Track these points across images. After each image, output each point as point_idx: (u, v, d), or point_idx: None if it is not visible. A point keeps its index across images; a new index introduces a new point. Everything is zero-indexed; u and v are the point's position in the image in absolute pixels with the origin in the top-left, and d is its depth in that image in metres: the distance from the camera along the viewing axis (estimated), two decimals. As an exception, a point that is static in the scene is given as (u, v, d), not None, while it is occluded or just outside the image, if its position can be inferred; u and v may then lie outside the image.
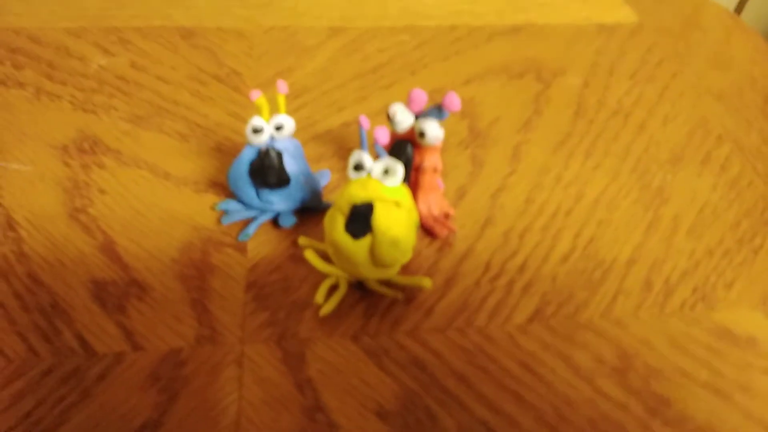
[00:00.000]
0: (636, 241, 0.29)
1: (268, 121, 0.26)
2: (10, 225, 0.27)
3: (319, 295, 0.25)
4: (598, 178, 0.32)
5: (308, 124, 0.33)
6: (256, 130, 0.26)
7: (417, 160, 0.27)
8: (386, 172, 0.23)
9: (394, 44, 0.39)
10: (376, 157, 0.24)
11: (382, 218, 0.23)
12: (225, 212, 0.28)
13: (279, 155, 0.26)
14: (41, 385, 0.22)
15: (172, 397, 0.22)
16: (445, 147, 0.32)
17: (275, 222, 0.28)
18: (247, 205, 0.28)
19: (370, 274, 0.25)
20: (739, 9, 0.70)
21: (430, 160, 0.27)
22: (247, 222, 0.28)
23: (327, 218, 0.25)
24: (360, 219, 0.23)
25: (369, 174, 0.24)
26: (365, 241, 0.24)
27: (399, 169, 0.23)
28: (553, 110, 0.35)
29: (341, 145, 0.32)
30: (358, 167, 0.24)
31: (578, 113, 0.35)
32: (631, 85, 0.38)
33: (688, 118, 0.36)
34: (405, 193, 0.24)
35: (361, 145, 0.24)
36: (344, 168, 0.30)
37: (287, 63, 0.37)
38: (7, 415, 0.21)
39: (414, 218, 0.25)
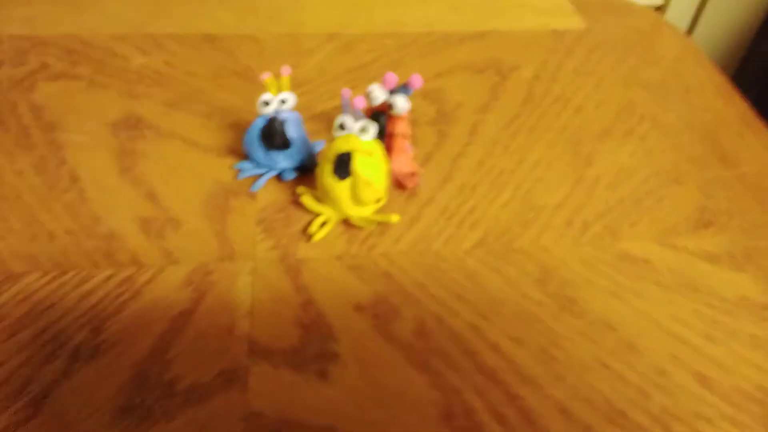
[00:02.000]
0: (564, 192, 0.35)
1: (275, 95, 0.33)
2: (74, 178, 0.34)
3: (313, 226, 0.31)
4: (539, 148, 0.38)
5: (308, 107, 0.40)
6: (265, 103, 0.32)
7: (389, 127, 0.34)
8: (362, 129, 0.30)
9: (379, 46, 0.46)
10: (356, 119, 0.31)
11: (359, 164, 0.30)
12: (240, 170, 0.35)
13: (282, 123, 0.33)
14: (102, 287, 0.29)
15: (201, 295, 0.28)
16: (417, 125, 0.39)
17: (280, 177, 0.35)
18: (258, 163, 0.34)
19: (352, 211, 0.32)
20: (690, 29, 0.77)
21: (400, 127, 0.34)
22: (257, 177, 0.34)
23: (318, 168, 0.31)
24: (342, 165, 0.30)
25: (350, 131, 0.30)
26: (347, 184, 0.30)
27: (372, 127, 0.30)
28: (507, 97, 0.42)
29: (332, 122, 0.39)
30: (342, 126, 0.30)
31: (527, 99, 0.42)
32: (574, 77, 0.44)
33: (618, 102, 0.42)
34: (377, 146, 0.31)
35: (343, 111, 0.30)
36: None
37: (292, 61, 0.44)
38: (78, 306, 0.28)
39: (385, 166, 0.31)
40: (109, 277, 0.29)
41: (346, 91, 0.30)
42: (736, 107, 0.43)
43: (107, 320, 0.27)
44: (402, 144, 0.34)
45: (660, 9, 0.77)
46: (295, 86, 0.41)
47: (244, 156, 0.35)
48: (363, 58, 0.45)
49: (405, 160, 0.35)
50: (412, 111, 0.39)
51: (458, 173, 0.36)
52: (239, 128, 0.38)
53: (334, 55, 0.45)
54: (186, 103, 0.39)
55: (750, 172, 0.37)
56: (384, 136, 0.34)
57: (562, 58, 0.46)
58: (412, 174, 0.35)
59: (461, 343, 0.27)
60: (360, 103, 0.30)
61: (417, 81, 0.32)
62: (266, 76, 0.32)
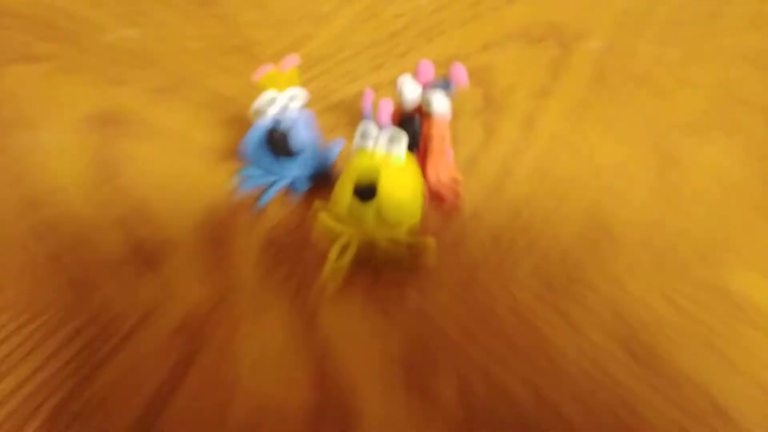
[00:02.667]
0: (641, 204, 0.34)
1: (281, 91, 0.32)
2: (55, 190, 0.34)
3: (333, 253, 0.31)
4: (610, 145, 0.36)
5: (323, 95, 0.39)
6: (269, 102, 0.31)
7: (425, 128, 0.33)
8: (391, 140, 0.29)
9: (411, 9, 0.45)
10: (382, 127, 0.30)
11: (386, 183, 0.29)
12: (245, 179, 0.34)
13: (284, 135, 0.32)
14: (79, 335, 0.29)
15: (199, 343, 0.28)
16: (458, 114, 0.38)
17: (292, 187, 0.34)
18: (265, 171, 0.34)
19: (379, 233, 0.31)
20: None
21: (438, 129, 0.33)
22: (265, 187, 0.34)
23: (337, 186, 0.31)
24: (366, 187, 0.29)
25: (375, 143, 0.29)
26: (372, 205, 0.29)
27: (403, 138, 0.29)
28: (571, 77, 0.40)
29: (355, 115, 0.38)
30: (365, 137, 0.29)
31: (597, 79, 0.40)
32: (656, 48, 0.42)
33: (712, 82, 0.40)
34: (409, 160, 0.30)
35: (367, 115, 0.29)
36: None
37: (303, 31, 0.43)
38: (62, 353, 0.28)
39: (418, 183, 0.30)
40: (84, 327, 0.29)
41: (369, 94, 0.29)
42: None
43: (81, 385, 0.27)
44: (441, 147, 0.33)
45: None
46: (308, 66, 0.40)
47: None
48: (390, 25, 0.43)
49: (445, 167, 0.34)
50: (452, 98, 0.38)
51: (510, 181, 0.35)
52: (243, 123, 0.37)
53: (354, 22, 0.44)
54: (179, 89, 0.39)
55: None
56: (418, 140, 0.33)
57: (638, 22, 0.44)
58: (454, 183, 0.34)
59: (514, 406, 0.27)
60: (387, 109, 0.29)
61: (461, 73, 0.31)
62: (266, 70, 0.31)
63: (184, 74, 0.40)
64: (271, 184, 0.34)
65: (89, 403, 0.26)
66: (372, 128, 0.29)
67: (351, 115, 0.38)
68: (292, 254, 0.31)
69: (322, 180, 0.34)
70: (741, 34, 0.43)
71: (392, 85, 0.38)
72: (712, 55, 0.42)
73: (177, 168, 0.34)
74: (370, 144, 0.29)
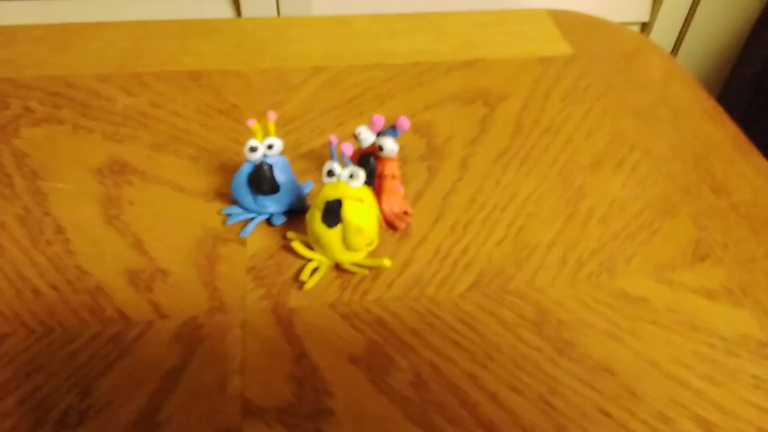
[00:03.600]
0: (557, 228, 0.35)
1: (261, 141, 0.32)
2: (59, 230, 0.33)
3: (305, 274, 0.31)
4: (530, 181, 0.38)
5: (296, 146, 0.40)
6: (252, 149, 0.32)
7: (379, 168, 0.34)
8: (351, 176, 0.30)
9: (367, 79, 0.46)
10: (344, 165, 0.30)
11: (349, 211, 0.30)
12: (229, 215, 0.34)
13: (270, 168, 0.33)
14: (90, 345, 0.28)
15: (191, 351, 0.28)
16: (407, 160, 0.39)
17: (269, 222, 0.34)
18: (246, 208, 0.34)
19: (343, 257, 0.31)
20: (674, 50, 0.77)
21: (390, 168, 0.34)
22: (246, 222, 0.34)
23: (308, 215, 0.31)
24: (332, 212, 0.29)
25: (338, 178, 0.30)
26: (337, 230, 0.30)
27: (361, 173, 0.30)
28: (497, 129, 0.42)
29: (321, 162, 0.38)
30: (330, 173, 0.30)
31: (516, 131, 0.42)
32: (563, 106, 0.45)
33: (607, 131, 0.42)
34: (367, 192, 0.31)
35: (332, 157, 0.30)
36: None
37: (278, 97, 0.44)
38: (64, 368, 0.27)
39: (375, 212, 0.31)
40: (97, 335, 0.28)
41: (334, 138, 0.30)
42: (726, 130, 0.43)
43: (95, 381, 0.27)
44: (392, 185, 0.34)
45: (645, 26, 0.78)
46: (282, 124, 0.41)
47: (232, 200, 0.35)
48: (350, 92, 0.45)
49: (396, 201, 0.35)
50: (402, 146, 0.39)
51: (450, 211, 0.36)
52: (227, 170, 0.37)
53: (321, 90, 0.45)
54: (172, 145, 0.39)
55: (743, 201, 0.37)
56: (373, 177, 0.34)
57: (550, 86, 0.46)
58: (404, 214, 0.35)
59: (459, 394, 0.27)
60: (348, 150, 0.30)
61: (404, 123, 0.32)
62: (252, 123, 0.32)
63: (176, 133, 0.40)
64: (252, 219, 0.34)
65: (98, 402, 0.26)
66: (336, 167, 0.30)
67: (318, 162, 0.38)
68: (269, 277, 0.31)
69: (296, 215, 0.34)
70: (630, 95, 0.46)
71: (351, 137, 0.40)
72: (606, 111, 0.44)
73: (170, 209, 0.35)
74: (334, 180, 0.30)
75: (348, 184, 0.30)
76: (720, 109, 0.46)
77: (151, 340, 0.28)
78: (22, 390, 0.26)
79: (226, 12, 0.65)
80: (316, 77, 0.46)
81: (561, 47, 0.51)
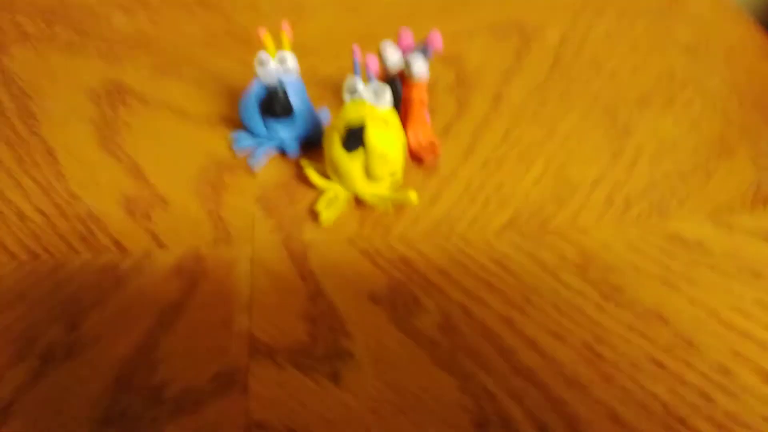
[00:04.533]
0: (601, 166, 0.31)
1: (273, 56, 0.29)
2: (49, 151, 0.30)
3: (320, 205, 0.28)
4: (571, 116, 0.34)
5: (311, 72, 0.36)
6: (262, 63, 0.29)
7: (405, 93, 0.30)
8: (376, 94, 0.26)
9: (389, 3, 0.42)
10: (368, 82, 0.27)
11: (372, 135, 0.26)
12: (236, 141, 0.31)
13: (283, 88, 0.29)
14: (79, 274, 0.25)
15: (193, 285, 0.25)
16: (434, 91, 0.35)
17: (281, 151, 0.31)
18: (255, 134, 0.31)
19: (364, 188, 0.28)
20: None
21: (417, 93, 0.30)
22: (255, 150, 0.31)
23: (325, 137, 0.28)
24: (353, 135, 0.26)
25: (361, 96, 0.27)
26: (359, 157, 0.27)
27: (387, 91, 0.26)
28: (533, 62, 0.38)
29: (338, 89, 0.35)
30: (353, 91, 0.27)
31: (555, 64, 0.38)
32: (605, 38, 0.40)
33: (656, 67, 0.38)
34: (394, 115, 0.27)
35: (354, 72, 0.27)
36: (340, 107, 0.33)
37: (291, 20, 0.40)
38: (51, 297, 0.24)
39: (401, 138, 0.28)
40: (88, 263, 0.26)
41: (357, 50, 0.26)
42: (785, 72, 0.39)
43: (85, 313, 0.24)
44: (420, 112, 0.31)
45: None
46: (296, 49, 0.37)
47: (240, 125, 0.32)
48: (370, 16, 0.41)
49: (423, 130, 0.31)
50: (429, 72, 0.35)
51: (482, 146, 0.32)
52: (235, 95, 0.34)
53: (338, 14, 0.41)
54: (174, 67, 0.36)
55: (808, 143, 0.34)
56: (399, 103, 0.30)
57: (591, 19, 0.42)
58: (431, 146, 0.31)
59: (494, 339, 0.24)
60: (373, 63, 0.26)
61: (437, 40, 0.28)
62: (263, 33, 0.28)
63: (179, 55, 0.37)
64: (262, 145, 0.31)
65: (87, 335, 0.23)
66: (358, 83, 0.26)
67: (335, 90, 0.35)
68: (280, 208, 0.28)
69: (311, 146, 0.31)
70: (679, 30, 0.42)
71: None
72: (655, 46, 0.40)
73: (172, 134, 0.31)
74: (357, 98, 0.26)
75: (372, 103, 0.26)
76: (779, 48, 0.42)
77: (149, 272, 0.25)
78: (1, 320, 0.23)
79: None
80: (331, 1, 0.42)
81: (603, -22, 0.47)
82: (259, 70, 0.28)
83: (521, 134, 0.33)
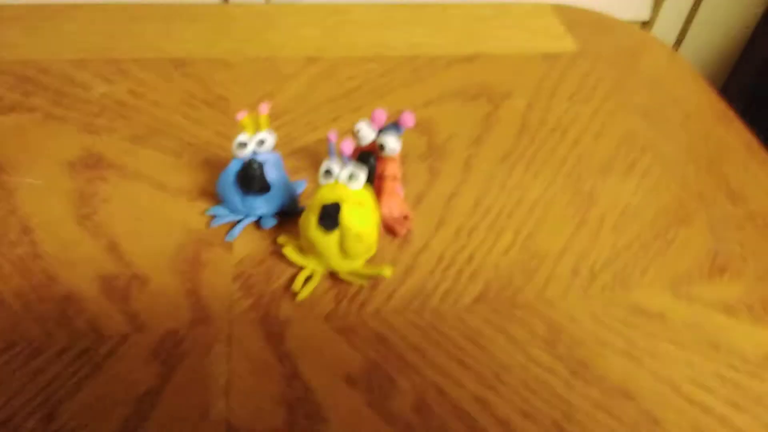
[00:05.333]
0: (567, 236, 0.33)
1: (251, 136, 0.30)
2: (25, 230, 0.30)
3: (297, 283, 0.28)
4: (537, 184, 0.36)
5: (287, 141, 0.37)
6: (241, 144, 0.29)
7: (379, 169, 0.31)
8: (351, 177, 0.27)
9: (363, 72, 0.44)
10: (343, 164, 0.28)
11: (347, 216, 0.27)
12: (214, 216, 0.32)
13: (260, 166, 0.30)
14: (56, 362, 0.25)
15: (171, 369, 0.25)
16: (406, 160, 0.36)
17: (258, 224, 0.32)
18: (233, 209, 0.31)
19: (340, 265, 0.29)
20: (678, 42, 0.76)
21: (390, 169, 0.31)
22: (233, 224, 0.31)
23: (302, 218, 0.29)
24: (329, 216, 0.27)
25: (336, 179, 0.27)
26: (334, 236, 0.27)
27: (362, 174, 0.27)
28: (501, 128, 0.40)
29: (315, 159, 0.36)
30: (328, 173, 0.27)
31: (522, 131, 0.40)
32: (569, 105, 0.42)
33: (616, 132, 0.40)
34: (367, 195, 0.28)
35: (329, 155, 0.28)
36: (317, 177, 0.34)
37: (269, 89, 0.41)
38: (28, 387, 0.24)
39: (375, 217, 0.28)
40: (64, 350, 0.25)
41: (333, 135, 0.27)
42: (738, 136, 0.42)
43: (62, 403, 0.24)
44: (393, 186, 0.32)
45: (646, 24, 0.76)
46: (273, 118, 0.38)
47: (218, 200, 0.32)
48: (346, 84, 0.42)
49: (396, 204, 0.32)
50: (402, 144, 0.37)
51: (453, 216, 0.33)
52: (212, 166, 0.35)
53: (314, 82, 0.42)
54: (153, 138, 0.36)
55: (759, 210, 0.36)
56: (373, 177, 0.31)
57: (555, 84, 0.44)
58: (404, 218, 0.32)
59: (467, 420, 0.25)
60: (348, 148, 0.27)
61: (409, 119, 0.30)
62: (242, 116, 0.29)
63: (157, 125, 0.37)
64: (239, 221, 0.31)
65: (65, 427, 0.23)
66: (334, 166, 0.27)
67: (311, 160, 0.36)
68: (258, 286, 0.29)
69: (287, 217, 0.32)
70: (638, 94, 0.44)
71: (349, 133, 0.37)
72: (614, 111, 0.42)
73: (149, 208, 0.32)
74: (332, 181, 0.27)
75: (347, 185, 0.27)
76: (730, 112, 0.44)
77: (126, 357, 0.25)
78: (-22, 412, 0.23)
79: (213, -3, 0.62)
80: (309, 68, 0.43)
81: (565, 43, 0.49)
82: (238, 153, 0.29)
83: (491, 204, 0.34)
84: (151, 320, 0.27)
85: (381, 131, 0.30)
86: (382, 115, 0.30)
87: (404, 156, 0.36)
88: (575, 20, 0.52)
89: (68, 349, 0.25)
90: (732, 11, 0.74)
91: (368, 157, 0.31)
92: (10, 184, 0.32)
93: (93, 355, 0.25)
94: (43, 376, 0.25)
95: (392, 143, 0.30)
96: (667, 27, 0.74)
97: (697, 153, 0.39)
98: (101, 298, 0.28)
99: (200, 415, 0.24)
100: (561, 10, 0.53)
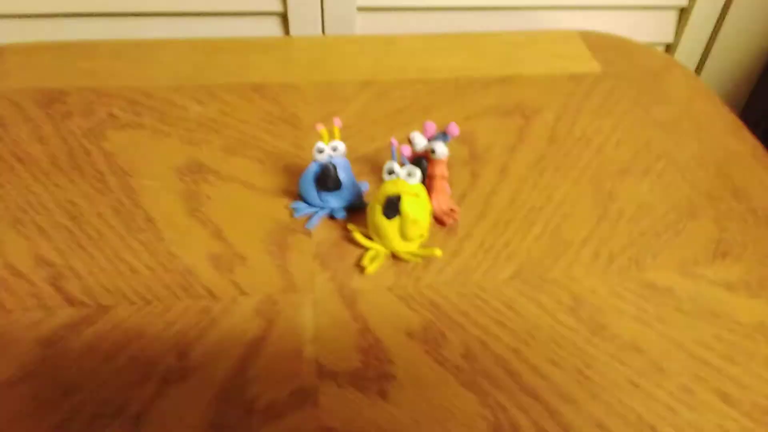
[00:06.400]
0: (589, 227, 0.38)
1: (327, 144, 0.37)
2: (149, 219, 0.38)
3: (365, 260, 0.35)
4: (564, 185, 0.41)
5: (350, 151, 0.44)
6: (320, 150, 0.36)
7: (430, 170, 0.38)
8: (409, 174, 0.34)
9: (412, 92, 0.50)
10: (402, 164, 0.34)
11: (406, 205, 0.33)
12: (296, 210, 0.39)
13: (335, 168, 0.37)
14: (184, 316, 0.32)
15: (270, 323, 0.32)
16: (452, 165, 0.43)
17: (331, 216, 0.38)
18: (311, 204, 0.38)
19: (399, 246, 0.35)
20: (698, 69, 0.81)
21: (440, 170, 0.38)
22: (311, 216, 0.38)
23: (369, 208, 0.35)
24: (392, 205, 0.33)
25: (398, 176, 0.34)
26: (395, 222, 0.34)
27: (417, 172, 0.34)
28: (533, 138, 0.46)
29: (374, 165, 0.43)
30: (391, 171, 0.34)
31: (551, 141, 0.46)
32: (593, 119, 0.48)
33: (635, 142, 0.46)
34: (422, 189, 0.35)
35: (392, 157, 0.34)
36: (377, 180, 0.41)
37: (332, 108, 0.48)
38: (163, 334, 0.31)
39: (428, 206, 0.35)
40: (188, 308, 0.33)
41: (395, 141, 0.34)
42: (746, 144, 0.46)
43: (190, 346, 0.31)
44: (442, 185, 0.38)
45: (670, 47, 0.81)
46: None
47: (298, 197, 0.39)
48: (397, 103, 0.49)
49: (444, 199, 0.38)
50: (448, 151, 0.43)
51: (492, 210, 0.39)
52: (290, 171, 0.42)
53: (370, 101, 0.49)
54: (241, 148, 0.44)
55: (761, 206, 0.40)
56: (425, 178, 0.38)
57: (581, 101, 0.50)
58: (451, 211, 0.38)
59: (504, 365, 0.30)
60: (406, 151, 0.34)
61: (454, 129, 0.36)
62: (320, 127, 0.36)
63: (243, 138, 0.45)
64: (316, 212, 0.38)
65: (194, 363, 0.30)
66: (395, 166, 0.34)
67: (371, 166, 0.42)
68: (333, 263, 0.35)
69: (354, 211, 0.38)
70: (656, 109, 0.49)
71: (402, 142, 0.44)
72: (633, 124, 0.47)
73: (243, 204, 0.39)
74: (394, 177, 0.34)
75: (406, 181, 0.34)
76: (740, 123, 0.49)
77: (235, 314, 0.32)
78: (129, 351, 0.30)
79: (276, 31, 0.70)
80: (365, 90, 0.50)
81: (591, 65, 0.55)
82: (316, 156, 0.36)
83: (524, 201, 0.40)
84: (252, 287, 0.34)
85: (431, 139, 0.37)
86: (431, 126, 0.37)
87: (450, 162, 0.43)
88: (600, 44, 0.58)
89: (191, 308, 0.33)
90: (752, 32, 0.78)
91: (421, 160, 0.37)
92: (133, 184, 0.40)
93: (210, 312, 0.32)
94: (174, 326, 0.32)
95: (441, 148, 0.36)
96: (690, 48, 0.79)
97: (707, 159, 0.45)
98: (213, 270, 0.35)
99: (295, 357, 0.30)
100: (587, 36, 0.59)
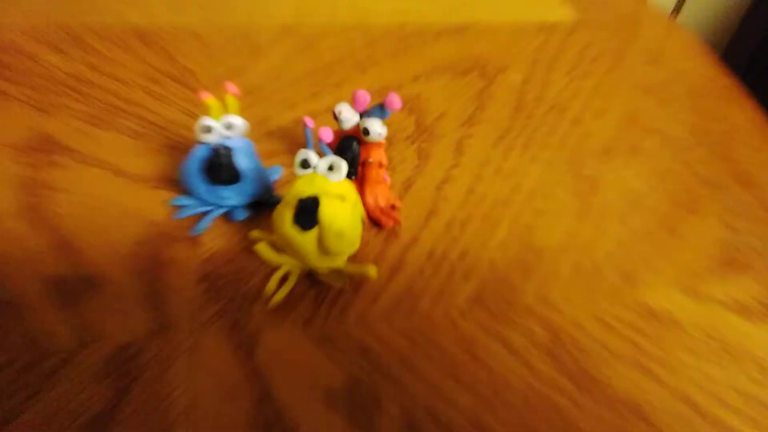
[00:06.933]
0: (567, 227, 0.29)
1: (218, 120, 0.25)
2: (-39, 225, 0.26)
3: (271, 285, 0.25)
4: (535, 169, 0.32)
5: (261, 121, 0.33)
6: (206, 130, 0.25)
7: (363, 155, 0.27)
8: (331, 168, 0.23)
9: (344, 42, 0.39)
10: (322, 154, 0.24)
11: (327, 211, 0.23)
12: (178, 208, 0.28)
13: (228, 154, 0.26)
14: (2, 374, 0.21)
15: (125, 389, 0.22)
16: (393, 141, 0.32)
17: (227, 217, 0.28)
18: (200, 200, 0.27)
19: (319, 263, 0.25)
20: (676, 10, 0.72)
21: (375, 156, 0.27)
22: (199, 216, 0.27)
23: (276, 213, 0.25)
24: (307, 213, 0.23)
25: (315, 171, 0.23)
26: (313, 233, 0.24)
27: (342, 165, 0.23)
28: (495, 106, 0.36)
29: (293, 141, 0.32)
30: (304, 164, 0.24)
31: (518, 108, 0.36)
32: (568, 80, 0.38)
33: (618, 111, 0.36)
34: (349, 187, 0.24)
35: (306, 144, 0.24)
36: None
37: (241, 61, 0.36)
38: (-42, 413, 0.20)
39: (359, 211, 0.25)
40: (2, 367, 0.22)
41: (310, 121, 0.23)
42: (745, 113, 0.38)
43: (-5, 435, 0.20)
44: (378, 174, 0.28)
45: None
46: (246, 94, 0.34)
47: (183, 189, 0.28)
48: (326, 56, 0.38)
49: (382, 193, 0.28)
50: (387, 125, 0.33)
51: (444, 205, 0.30)
52: (178, 150, 0.30)
53: (291, 53, 0.38)
54: (111, 118, 0.32)
55: (772, 197, 0.32)
56: (356, 164, 0.27)
57: (552, 57, 0.40)
58: (391, 208, 0.28)
59: (461, 445, 0.21)
60: (327, 136, 0.23)
61: (395, 102, 0.26)
62: (206, 97, 0.25)
63: (116, 103, 0.33)
64: (207, 213, 0.27)
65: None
66: (312, 156, 0.23)
67: (289, 142, 0.32)
68: (227, 288, 0.25)
69: (261, 209, 0.28)
70: (641, 69, 0.40)
71: (329, 112, 0.33)
72: (615, 88, 0.38)
73: (105, 198, 0.28)
74: (309, 172, 0.23)
75: (326, 177, 0.23)
76: (737, 88, 0.40)
77: (72, 376, 0.22)
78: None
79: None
80: (285, 38, 0.39)
81: (563, 12, 0.45)
82: (203, 137, 0.25)
83: (485, 191, 0.31)
84: (103, 332, 0.23)
85: (364, 114, 0.26)
86: (365, 97, 0.26)
87: (390, 138, 0.32)
88: (572, -13, 0.48)
89: (5, 367, 0.22)
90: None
91: (351, 142, 0.27)
92: (-57, 171, 0.28)
93: (35, 373, 0.22)
94: (-24, 400, 0.21)
95: (377, 128, 0.26)
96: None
97: (704, 134, 0.36)
98: (46, 305, 0.24)
99: (158, 446, 0.20)
100: (557, -24, 0.48)
